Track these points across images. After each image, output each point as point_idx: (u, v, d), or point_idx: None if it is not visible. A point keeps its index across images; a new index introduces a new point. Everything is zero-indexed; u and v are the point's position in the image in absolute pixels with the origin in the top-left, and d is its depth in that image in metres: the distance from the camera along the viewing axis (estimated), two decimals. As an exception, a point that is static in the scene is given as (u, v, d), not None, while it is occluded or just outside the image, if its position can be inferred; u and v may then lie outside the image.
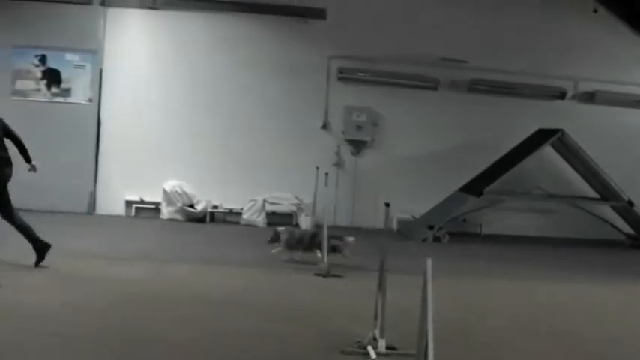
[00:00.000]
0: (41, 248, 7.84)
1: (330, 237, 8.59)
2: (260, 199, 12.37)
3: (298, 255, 8.97)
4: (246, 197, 12.36)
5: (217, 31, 12.66)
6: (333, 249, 8.75)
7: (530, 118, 12.64)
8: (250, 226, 12.25)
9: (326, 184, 10.07)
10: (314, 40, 12.64)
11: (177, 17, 12.55)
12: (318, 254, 8.76)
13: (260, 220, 12.31)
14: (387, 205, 5.02)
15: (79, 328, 5.75)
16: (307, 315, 6.66)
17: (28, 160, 8.13)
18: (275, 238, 9.07)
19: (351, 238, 9.04)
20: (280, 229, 9.15)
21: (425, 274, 4.44)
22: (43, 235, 8.17)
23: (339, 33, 12.61)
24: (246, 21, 12.64)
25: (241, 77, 12.65)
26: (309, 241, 8.91)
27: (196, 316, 6.35)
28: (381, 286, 5.56)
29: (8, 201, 7.86)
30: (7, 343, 5.24)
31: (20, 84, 12.54)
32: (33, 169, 8.21)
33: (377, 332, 5.50)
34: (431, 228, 11.57)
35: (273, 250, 9.10)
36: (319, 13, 12.58)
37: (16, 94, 12.52)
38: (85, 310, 6.32)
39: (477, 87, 12.90)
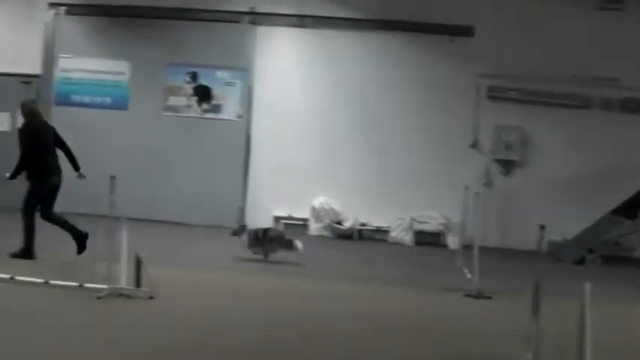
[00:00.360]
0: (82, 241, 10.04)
1: (282, 235, 11.39)
2: (408, 218, 14.39)
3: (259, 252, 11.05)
4: (393, 215, 14.41)
5: (365, 50, 14.72)
6: (288, 245, 11.06)
7: (686, 138, 14.08)
8: (398, 244, 14.25)
9: (475, 204, 11.46)
10: (462, 58, 14.47)
11: (325, 36, 14.71)
12: (468, 275, 10.35)
13: (407, 238, 14.34)
14: (542, 227, 6.28)
15: (230, 342, 6.80)
16: (458, 338, 7.37)
17: (76, 168, 10.43)
18: (239, 232, 11.24)
19: (299, 245, 11.15)
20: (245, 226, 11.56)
21: (583, 298, 5.05)
22: (199, 248, 11.00)
23: (487, 51, 14.41)
24: (393, 39, 14.68)
25: (389, 95, 14.68)
26: (262, 237, 11.03)
27: (345, 335, 7.29)
28: (535, 309, 6.00)
29: (51, 205, 10.08)
30: (160, 353, 6.34)
31: (172, 100, 14.99)
32: (81, 176, 10.52)
33: (530, 357, 5.94)
34: (591, 251, 13.15)
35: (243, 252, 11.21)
36: (467, 31, 14.48)
37: (167, 110, 15.01)
38: (235, 323, 7.47)
39: (630, 106, 14.46)
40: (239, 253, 11.31)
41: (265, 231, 11.30)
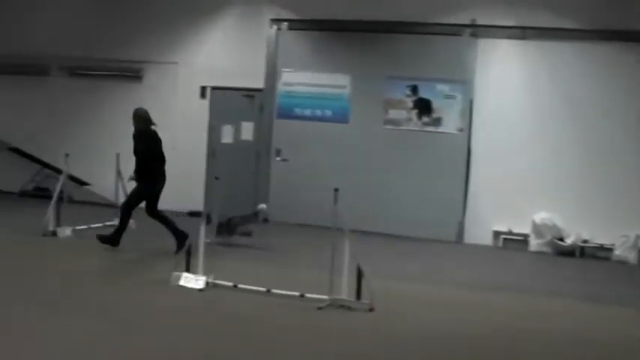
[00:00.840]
0: (181, 238, 12.93)
1: (243, 220, 14.22)
2: (633, 235, 16.31)
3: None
4: (618, 232, 16.43)
5: (589, 61, 16.85)
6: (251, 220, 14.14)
7: None
8: (621, 262, 16.20)
9: None
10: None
11: (549, 47, 16.94)
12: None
13: (632, 256, 16.27)
14: None
15: (450, 356, 8.01)
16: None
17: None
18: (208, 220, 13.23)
19: (262, 205, 14.39)
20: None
21: None
22: (417, 261, 13.59)
23: None
24: (618, 50, 16.71)
25: (614, 107, 16.67)
26: (226, 225, 14.07)
27: (558, 354, 8.37)
28: None
29: (156, 205, 13.36)
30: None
31: (392, 113, 17.99)
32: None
33: None
34: None
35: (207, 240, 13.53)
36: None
37: (388, 123, 17.86)
38: (454, 336, 8.72)
39: None
40: (466, 270, 13.98)
41: (229, 220, 14.42)
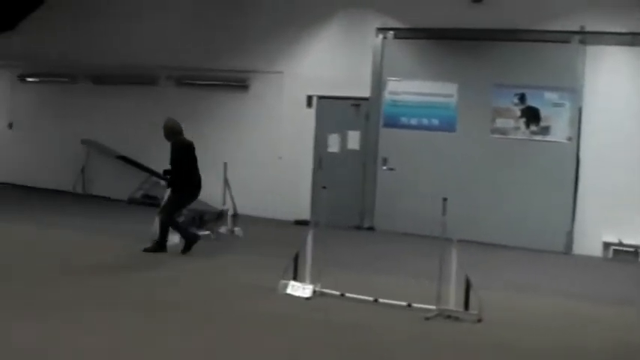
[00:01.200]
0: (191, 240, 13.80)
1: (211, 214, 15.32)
2: None
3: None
4: None
5: None
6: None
7: None
8: None
9: None
10: None
11: None
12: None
13: None
14: None
15: None
16: None
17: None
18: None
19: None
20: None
21: None
22: (526, 271, 13.89)
23: None
24: None
25: None
26: (199, 219, 15.15)
27: None
28: None
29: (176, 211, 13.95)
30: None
31: (500, 122, 18.44)
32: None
33: None
34: None
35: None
36: None
37: (495, 131, 18.38)
38: (570, 350, 8.83)
39: None
40: (575, 282, 14.28)
41: (202, 215, 15.49)
